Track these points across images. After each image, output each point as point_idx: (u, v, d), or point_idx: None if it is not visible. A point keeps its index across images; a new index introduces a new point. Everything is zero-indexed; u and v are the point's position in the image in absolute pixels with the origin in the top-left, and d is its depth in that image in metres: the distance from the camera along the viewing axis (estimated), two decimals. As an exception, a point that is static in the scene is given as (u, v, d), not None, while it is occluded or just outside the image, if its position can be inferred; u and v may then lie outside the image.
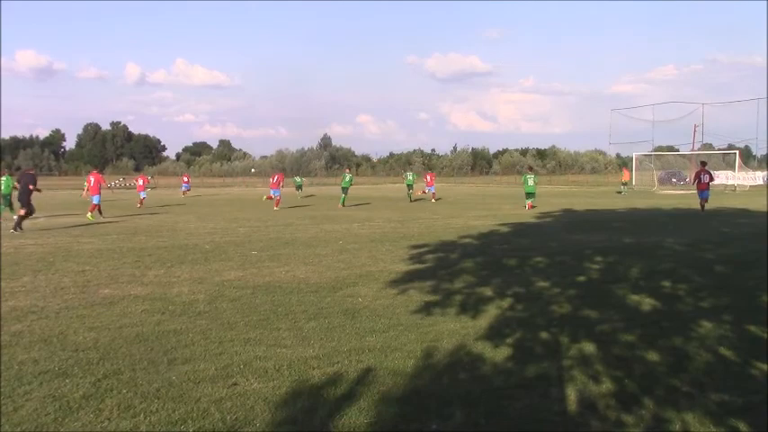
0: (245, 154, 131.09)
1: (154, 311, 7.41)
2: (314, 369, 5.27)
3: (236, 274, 10.06)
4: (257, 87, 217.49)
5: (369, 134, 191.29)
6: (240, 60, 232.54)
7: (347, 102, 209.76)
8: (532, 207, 26.25)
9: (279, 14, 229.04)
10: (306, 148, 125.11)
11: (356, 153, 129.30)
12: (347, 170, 33.61)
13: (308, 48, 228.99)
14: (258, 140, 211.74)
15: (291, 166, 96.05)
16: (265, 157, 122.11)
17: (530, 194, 27.31)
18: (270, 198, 29.38)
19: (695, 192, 25.30)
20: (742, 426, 4.09)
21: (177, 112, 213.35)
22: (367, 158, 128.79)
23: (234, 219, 22.06)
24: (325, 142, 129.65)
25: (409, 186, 36.25)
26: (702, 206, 24.40)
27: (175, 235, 16.30)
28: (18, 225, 17.22)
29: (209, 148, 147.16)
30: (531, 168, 35.17)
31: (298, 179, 48.34)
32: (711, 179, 25.68)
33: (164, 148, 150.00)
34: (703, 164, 27.38)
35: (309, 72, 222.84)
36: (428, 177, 37.07)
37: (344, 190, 30.42)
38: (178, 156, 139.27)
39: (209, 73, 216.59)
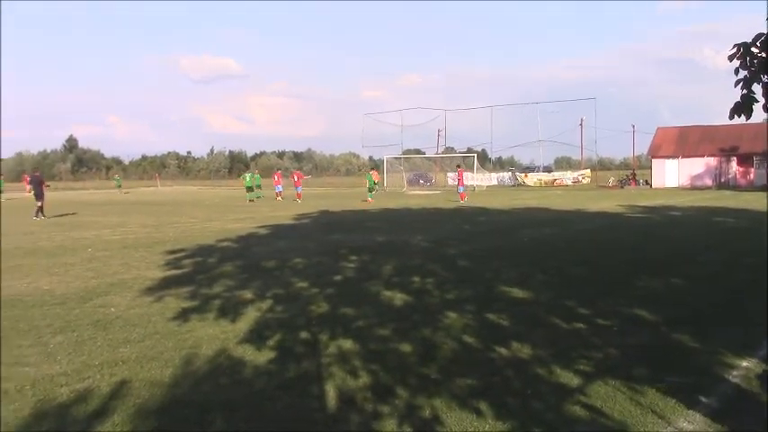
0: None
1: None
2: (61, 387, 4.91)
3: (-36, 289, 8.92)
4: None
5: (119, 135, 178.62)
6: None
7: (93, 101, 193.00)
8: (371, 202, 31.68)
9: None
10: (48, 150, 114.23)
11: (106, 155, 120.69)
12: (373, 171, 37.43)
13: (43, 41, 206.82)
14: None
15: (33, 168, 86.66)
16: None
17: (371, 190, 34.08)
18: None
19: (439, 192, 29.41)
20: (482, 405, 4.49)
21: None
22: (118, 161, 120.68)
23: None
24: (71, 144, 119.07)
25: (249, 189, 35.41)
26: (462, 197, 33.01)
27: None
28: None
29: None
30: (372, 169, 42.35)
31: (117, 177, 62.25)
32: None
33: None
34: (458, 166, 37.78)
35: (48, 67, 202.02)
36: (296, 177, 36.94)
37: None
38: None
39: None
